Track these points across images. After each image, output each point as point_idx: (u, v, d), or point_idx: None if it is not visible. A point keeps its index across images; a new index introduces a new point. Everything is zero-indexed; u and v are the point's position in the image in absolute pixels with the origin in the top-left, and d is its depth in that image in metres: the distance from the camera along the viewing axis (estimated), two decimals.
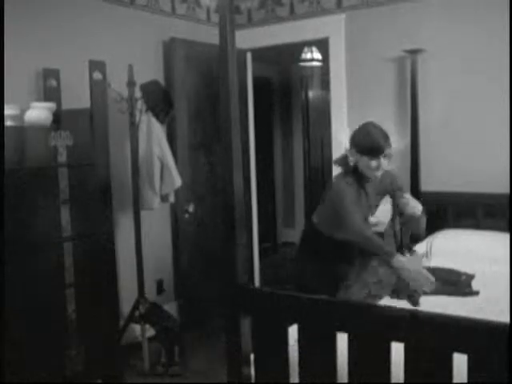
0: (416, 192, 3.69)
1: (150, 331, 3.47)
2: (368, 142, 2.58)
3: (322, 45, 4.56)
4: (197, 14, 4.28)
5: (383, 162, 2.60)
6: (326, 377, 1.60)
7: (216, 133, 4.04)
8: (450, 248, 3.17)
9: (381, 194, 2.85)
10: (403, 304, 2.27)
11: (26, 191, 2.66)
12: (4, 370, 2.47)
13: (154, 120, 3.39)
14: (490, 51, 3.46)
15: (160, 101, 3.38)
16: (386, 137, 2.61)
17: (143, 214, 3.49)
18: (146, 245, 3.61)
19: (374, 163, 2.58)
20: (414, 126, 3.68)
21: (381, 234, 2.83)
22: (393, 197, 2.81)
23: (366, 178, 2.68)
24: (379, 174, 2.64)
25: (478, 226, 3.47)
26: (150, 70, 3.77)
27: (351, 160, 2.67)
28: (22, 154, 2.67)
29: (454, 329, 1.38)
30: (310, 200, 6.53)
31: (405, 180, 3.76)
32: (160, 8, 3.94)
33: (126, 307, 3.50)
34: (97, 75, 2.88)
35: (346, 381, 1.59)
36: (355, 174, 2.69)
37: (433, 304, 2.26)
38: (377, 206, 2.87)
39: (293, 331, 1.67)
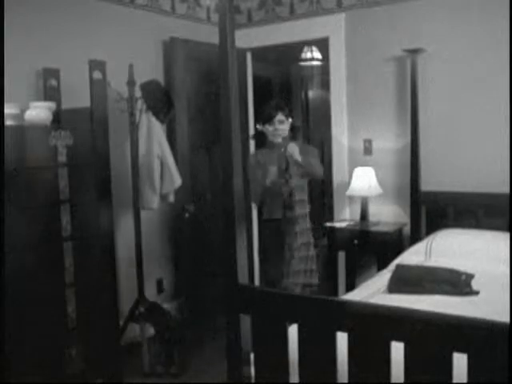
0: (416, 192, 3.70)
1: (150, 331, 3.47)
2: (264, 111, 3.26)
3: (322, 44, 4.55)
4: (197, 13, 4.28)
5: (280, 127, 3.21)
6: (325, 376, 1.60)
7: (216, 133, 4.03)
8: (449, 248, 3.17)
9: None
10: (403, 304, 2.26)
11: (26, 191, 2.66)
12: (4, 370, 2.47)
13: (153, 120, 3.40)
14: (489, 51, 3.46)
15: (160, 100, 3.38)
16: (278, 106, 3.24)
17: (143, 213, 3.49)
18: (145, 245, 3.61)
19: (271, 128, 3.21)
20: (413, 125, 3.68)
21: None
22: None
23: (273, 144, 3.25)
24: (280, 138, 3.21)
25: (477, 225, 3.47)
26: (150, 70, 3.77)
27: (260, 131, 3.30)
28: (22, 154, 2.67)
29: (454, 329, 1.38)
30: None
31: (405, 180, 3.77)
32: (160, 8, 3.94)
33: (125, 307, 3.50)
34: (97, 75, 2.88)
35: (346, 381, 1.59)
36: (267, 145, 3.30)
37: (433, 304, 2.26)
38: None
39: (293, 331, 1.67)
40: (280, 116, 3.21)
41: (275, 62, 6.32)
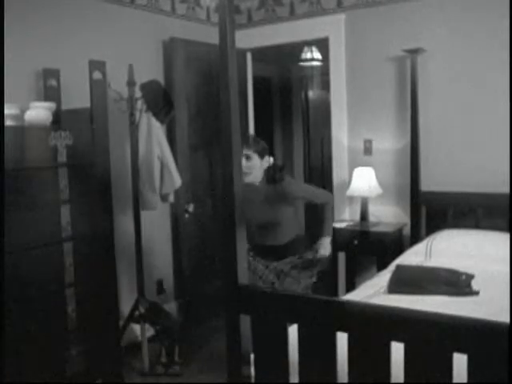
0: (416, 192, 3.70)
1: (150, 331, 3.47)
2: None
3: (322, 45, 4.55)
4: (197, 13, 4.28)
5: (244, 164, 2.66)
6: (325, 377, 1.60)
7: (216, 133, 4.04)
8: (450, 248, 3.17)
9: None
10: (403, 304, 2.26)
11: (26, 191, 2.66)
12: (4, 370, 2.47)
13: (154, 120, 3.39)
14: (489, 51, 3.46)
15: (160, 101, 3.38)
16: (244, 139, 2.61)
17: (143, 213, 3.49)
18: (145, 245, 3.61)
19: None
20: (413, 125, 3.68)
21: None
22: None
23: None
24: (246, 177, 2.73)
25: (478, 226, 3.47)
26: (150, 70, 3.77)
27: None
28: (21, 154, 2.66)
29: (454, 329, 1.38)
30: None
31: (405, 180, 3.77)
32: (160, 8, 3.94)
33: (126, 307, 3.50)
34: (97, 75, 2.88)
35: (346, 381, 1.59)
36: None
37: (433, 304, 2.26)
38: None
39: (293, 331, 1.67)
40: (245, 150, 2.73)
41: (275, 62, 6.33)
